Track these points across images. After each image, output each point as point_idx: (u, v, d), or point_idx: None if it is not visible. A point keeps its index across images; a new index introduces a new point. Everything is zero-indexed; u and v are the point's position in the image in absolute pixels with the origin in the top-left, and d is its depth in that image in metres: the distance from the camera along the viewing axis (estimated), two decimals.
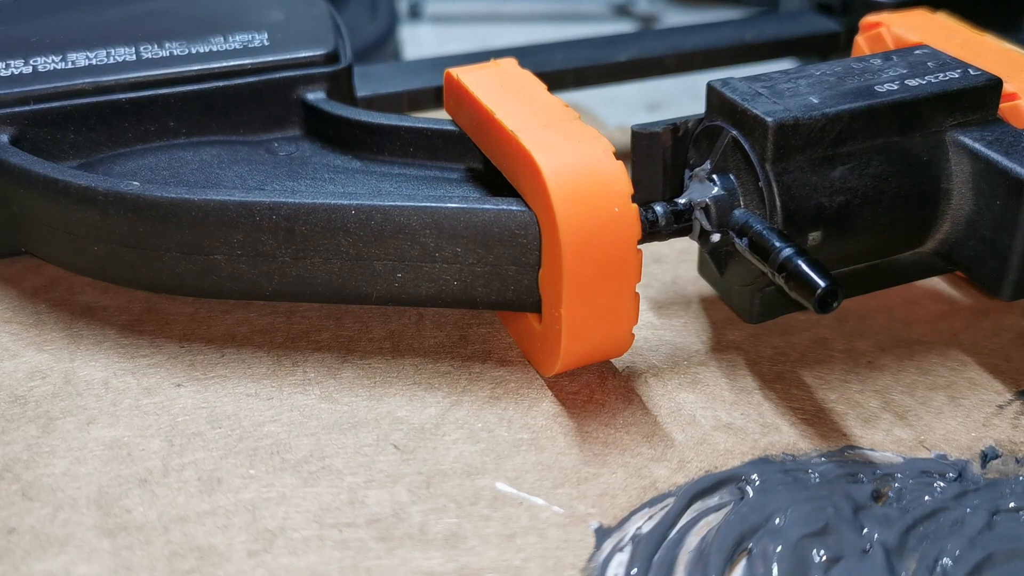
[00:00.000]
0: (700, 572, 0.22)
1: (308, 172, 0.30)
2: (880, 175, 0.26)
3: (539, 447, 0.25)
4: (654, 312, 0.30)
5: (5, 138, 0.29)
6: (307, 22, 0.33)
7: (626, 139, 0.39)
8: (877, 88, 0.27)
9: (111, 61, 0.31)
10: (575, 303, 0.24)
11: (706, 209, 0.26)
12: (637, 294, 0.25)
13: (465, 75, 0.29)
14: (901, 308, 0.30)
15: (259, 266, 0.27)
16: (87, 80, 0.30)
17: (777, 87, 0.27)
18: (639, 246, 0.25)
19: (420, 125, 0.30)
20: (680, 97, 0.45)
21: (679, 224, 0.26)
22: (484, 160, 0.29)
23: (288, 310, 0.30)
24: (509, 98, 0.27)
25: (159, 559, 0.22)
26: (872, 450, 0.25)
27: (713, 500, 0.24)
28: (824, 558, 0.22)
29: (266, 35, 0.32)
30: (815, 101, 0.26)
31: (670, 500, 0.24)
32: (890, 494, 0.24)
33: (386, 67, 0.36)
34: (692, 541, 0.23)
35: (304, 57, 0.32)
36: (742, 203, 0.26)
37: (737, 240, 0.25)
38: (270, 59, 0.31)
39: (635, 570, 0.22)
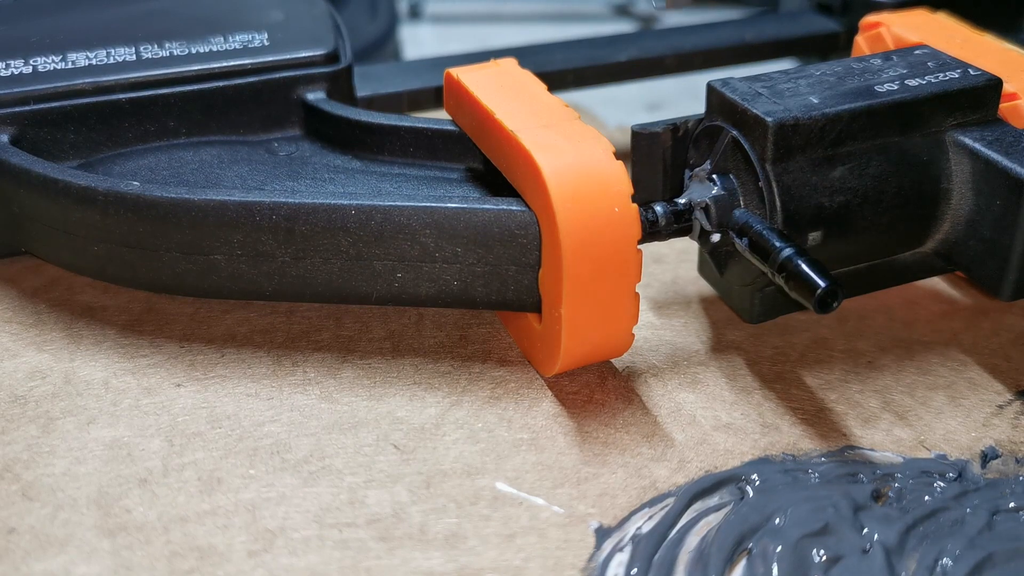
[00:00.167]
0: (700, 572, 0.22)
1: (308, 172, 0.30)
2: (880, 175, 0.26)
3: (539, 447, 0.25)
4: (654, 312, 0.30)
5: (5, 138, 0.29)
6: (307, 22, 0.33)
7: (626, 139, 0.39)
8: (877, 88, 0.27)
9: (111, 61, 0.31)
10: (575, 303, 0.24)
11: (706, 209, 0.26)
12: (637, 294, 0.25)
13: (465, 75, 0.29)
14: (901, 308, 0.30)
15: (259, 266, 0.27)
16: (87, 80, 0.30)
17: (777, 87, 0.27)
18: (639, 246, 0.25)
19: (420, 125, 0.30)
20: (680, 97, 0.45)
21: (679, 224, 0.26)
22: (484, 160, 0.29)
23: (288, 310, 0.30)
24: (509, 98, 0.27)
25: (159, 559, 0.22)
26: (872, 450, 0.25)
27: (713, 500, 0.24)
28: (824, 558, 0.22)
29: (266, 35, 0.32)
30: (815, 101, 0.26)
31: (670, 500, 0.24)
32: (890, 494, 0.24)
33: (386, 67, 0.36)
34: (692, 541, 0.23)
35: (304, 57, 0.32)
36: (742, 203, 0.26)
37: (737, 240, 0.25)
38: (270, 59, 0.31)
39: (635, 570, 0.22)
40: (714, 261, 0.29)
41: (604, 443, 0.25)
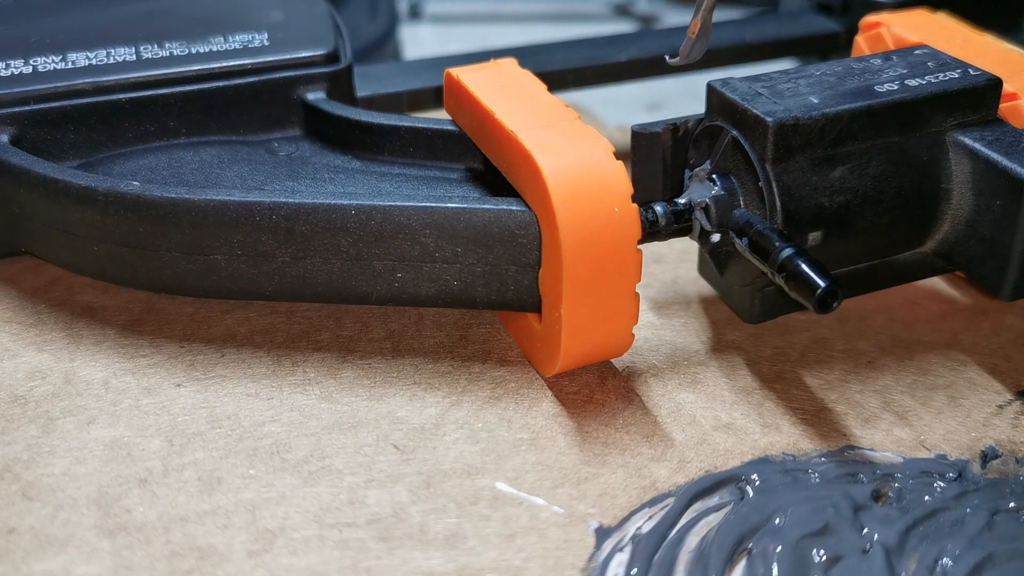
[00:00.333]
0: (700, 572, 0.22)
1: (308, 172, 0.30)
2: (880, 175, 0.26)
3: (539, 447, 0.25)
4: (654, 312, 0.30)
5: (5, 138, 0.29)
6: (307, 22, 0.33)
7: (626, 139, 0.39)
8: (877, 88, 0.27)
9: (111, 61, 0.31)
10: (575, 303, 0.24)
11: (706, 209, 0.26)
12: (637, 294, 0.25)
13: (465, 75, 0.29)
14: (901, 308, 0.30)
15: (259, 266, 0.27)
16: (87, 80, 0.30)
17: (777, 87, 0.27)
18: (639, 246, 0.25)
19: (420, 125, 0.30)
20: (680, 97, 0.45)
21: (679, 224, 0.26)
22: (484, 160, 0.29)
23: (288, 310, 0.30)
24: (509, 98, 0.27)
25: (159, 559, 0.22)
26: (872, 450, 0.25)
27: (713, 500, 0.24)
28: (824, 558, 0.22)
29: (266, 35, 0.32)
30: (815, 101, 0.26)
31: (670, 500, 0.24)
32: (890, 494, 0.24)
33: (386, 67, 0.36)
34: (692, 541, 0.23)
35: (304, 57, 0.32)
36: (742, 203, 0.26)
37: (737, 240, 0.25)
38: (270, 59, 0.31)
39: (635, 570, 0.22)
40: (714, 261, 0.29)
41: (604, 443, 0.25)
